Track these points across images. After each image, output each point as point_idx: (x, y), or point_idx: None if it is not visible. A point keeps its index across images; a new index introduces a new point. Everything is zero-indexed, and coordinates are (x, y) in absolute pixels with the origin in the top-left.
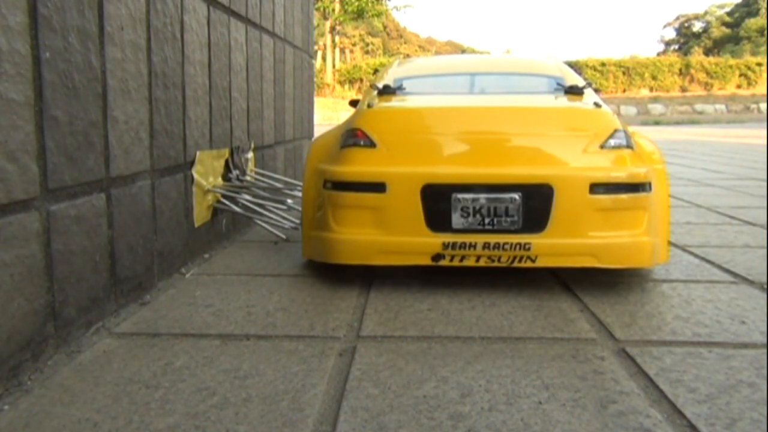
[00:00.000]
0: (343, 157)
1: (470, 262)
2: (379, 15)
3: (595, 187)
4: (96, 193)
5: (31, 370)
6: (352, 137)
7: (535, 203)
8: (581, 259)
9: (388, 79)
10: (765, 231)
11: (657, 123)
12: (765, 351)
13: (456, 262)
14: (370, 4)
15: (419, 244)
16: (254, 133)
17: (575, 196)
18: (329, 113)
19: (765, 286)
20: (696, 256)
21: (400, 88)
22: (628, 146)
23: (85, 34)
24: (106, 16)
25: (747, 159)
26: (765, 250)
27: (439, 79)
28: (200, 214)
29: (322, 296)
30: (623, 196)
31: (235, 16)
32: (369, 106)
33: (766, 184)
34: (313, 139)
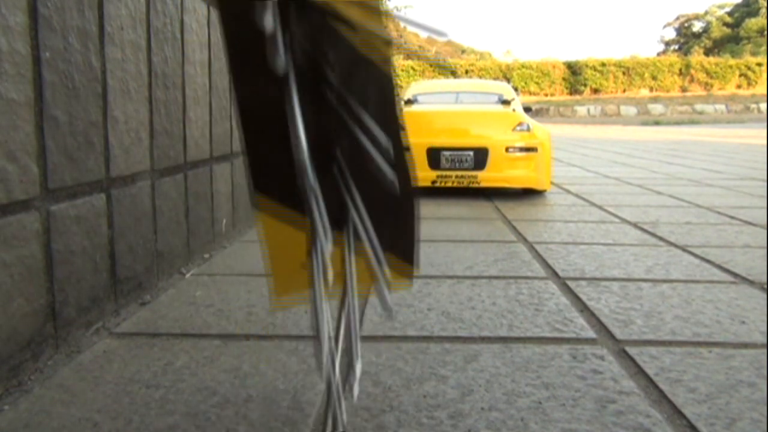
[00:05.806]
0: None
1: (449, 184)
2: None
3: (509, 149)
4: (96, 193)
5: (31, 370)
6: None
7: (480, 156)
8: (502, 183)
9: (408, 94)
10: (765, 231)
11: (657, 123)
12: (765, 351)
13: (442, 184)
14: None
15: (425, 176)
16: None
17: (499, 153)
18: None
19: (765, 286)
20: (696, 256)
21: (415, 100)
22: (528, 130)
23: (85, 34)
24: (106, 16)
25: (747, 159)
26: (765, 250)
27: (436, 95)
28: None
29: None
30: (521, 153)
31: None
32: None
33: (766, 184)
34: None
